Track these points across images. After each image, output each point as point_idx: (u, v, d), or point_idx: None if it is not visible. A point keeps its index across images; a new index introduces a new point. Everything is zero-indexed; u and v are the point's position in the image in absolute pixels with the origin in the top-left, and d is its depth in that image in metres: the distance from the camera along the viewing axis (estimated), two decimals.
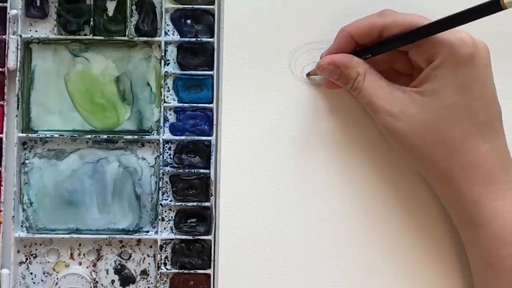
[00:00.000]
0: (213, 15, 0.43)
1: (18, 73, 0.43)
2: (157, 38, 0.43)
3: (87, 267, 0.43)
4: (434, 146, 0.37)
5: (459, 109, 0.37)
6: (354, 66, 0.39)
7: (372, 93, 0.38)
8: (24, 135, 0.43)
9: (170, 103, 0.43)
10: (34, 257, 0.43)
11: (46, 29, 0.44)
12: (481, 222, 0.37)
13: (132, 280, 0.43)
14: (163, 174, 0.43)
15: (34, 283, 0.43)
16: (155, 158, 0.43)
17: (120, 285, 0.43)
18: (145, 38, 0.43)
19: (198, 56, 0.43)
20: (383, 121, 0.38)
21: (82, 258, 0.43)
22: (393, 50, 0.39)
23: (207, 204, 0.43)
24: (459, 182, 0.37)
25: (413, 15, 0.38)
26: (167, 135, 0.43)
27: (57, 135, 0.43)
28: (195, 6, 0.43)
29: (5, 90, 0.43)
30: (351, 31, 0.39)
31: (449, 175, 0.37)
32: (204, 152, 0.43)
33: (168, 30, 0.44)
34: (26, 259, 0.43)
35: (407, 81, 0.40)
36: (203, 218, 0.43)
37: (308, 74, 0.43)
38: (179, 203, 0.43)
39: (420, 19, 0.37)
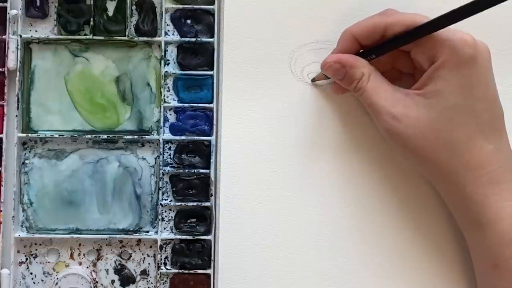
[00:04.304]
0: (213, 15, 0.43)
1: (18, 73, 0.43)
2: (157, 38, 0.43)
3: (87, 267, 0.43)
4: (437, 147, 0.37)
5: (463, 110, 0.37)
6: (359, 67, 0.39)
7: (375, 95, 0.38)
8: (24, 135, 0.43)
9: (170, 103, 0.43)
10: (34, 257, 0.43)
11: (46, 29, 0.44)
12: (485, 222, 0.37)
13: (132, 280, 0.43)
14: (163, 174, 0.43)
15: (34, 283, 0.43)
16: (155, 158, 0.43)
17: (120, 285, 0.43)
18: (145, 38, 0.43)
19: (198, 56, 0.43)
20: (385, 123, 0.38)
21: (82, 258, 0.43)
22: (395, 50, 0.39)
23: (207, 204, 0.43)
24: (463, 183, 0.37)
25: (415, 14, 0.38)
26: (167, 135, 0.43)
27: (57, 135, 0.43)
28: (195, 6, 0.43)
29: (5, 90, 0.43)
30: (354, 32, 0.39)
31: (453, 176, 0.37)
32: (204, 152, 0.43)
33: (168, 30, 0.44)
34: (26, 259, 0.43)
35: (409, 80, 0.40)
36: (203, 218, 0.43)
37: (314, 80, 0.43)
38: (179, 203, 0.43)
39: (422, 18, 0.37)
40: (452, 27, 0.36)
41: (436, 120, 0.37)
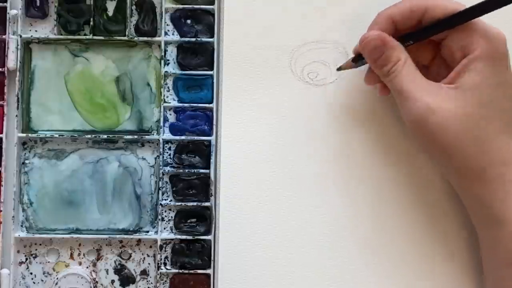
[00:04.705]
0: (213, 15, 0.43)
1: (18, 73, 0.43)
2: (157, 38, 0.43)
3: (87, 267, 0.43)
4: (466, 142, 0.37)
5: (494, 107, 0.37)
6: (398, 50, 0.38)
7: (410, 82, 0.37)
8: (24, 135, 0.43)
9: (170, 103, 0.43)
10: (34, 257, 0.43)
11: (46, 29, 0.44)
12: (505, 220, 0.37)
13: (132, 280, 0.43)
14: (163, 174, 0.43)
15: (34, 283, 0.43)
16: (155, 158, 0.43)
17: (120, 285, 0.43)
18: (145, 38, 0.43)
19: (198, 56, 0.43)
20: (416, 112, 0.37)
21: (82, 258, 0.43)
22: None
23: (207, 204, 0.43)
24: (487, 180, 0.37)
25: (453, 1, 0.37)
26: (167, 135, 0.43)
27: (57, 135, 0.43)
28: (195, 6, 0.43)
29: (5, 90, 0.43)
30: (393, 15, 0.38)
31: (479, 172, 0.37)
32: (204, 152, 0.43)
33: (168, 30, 0.44)
34: (26, 259, 0.43)
35: (424, 73, 0.39)
36: (203, 218, 0.43)
37: (340, 69, 0.42)
38: (179, 203, 0.43)
39: (461, 5, 0.37)
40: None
41: (470, 115, 0.36)
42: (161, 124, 0.43)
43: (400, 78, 0.38)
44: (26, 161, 0.43)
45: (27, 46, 0.43)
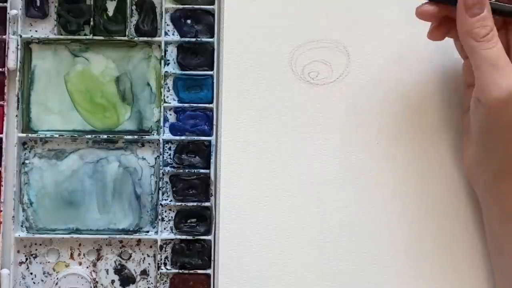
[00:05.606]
0: (213, 15, 0.43)
1: (18, 73, 0.43)
2: (157, 38, 0.43)
3: (87, 267, 0.43)
4: None
5: None
6: (492, 18, 0.35)
7: (503, 55, 0.35)
8: (24, 135, 0.43)
9: (170, 103, 0.43)
10: (34, 257, 0.43)
11: (46, 29, 0.44)
12: None
13: (132, 280, 0.43)
14: (163, 174, 0.43)
15: (34, 283, 0.43)
16: (155, 158, 0.43)
17: (120, 285, 0.43)
18: (145, 38, 0.43)
19: (198, 56, 0.43)
20: (508, 87, 0.34)
21: (82, 258, 0.43)
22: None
23: (207, 204, 0.43)
24: None
25: None
26: (167, 135, 0.43)
27: (57, 135, 0.43)
28: (195, 6, 0.43)
29: (5, 90, 0.43)
30: None
31: None
32: (204, 152, 0.43)
33: (168, 30, 0.44)
34: (26, 259, 0.43)
35: None
36: (203, 218, 0.43)
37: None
38: (179, 203, 0.43)
39: None
40: None
41: None
42: (161, 124, 0.43)
43: (497, 46, 0.35)
44: (26, 161, 0.43)
45: (27, 46, 0.43)
